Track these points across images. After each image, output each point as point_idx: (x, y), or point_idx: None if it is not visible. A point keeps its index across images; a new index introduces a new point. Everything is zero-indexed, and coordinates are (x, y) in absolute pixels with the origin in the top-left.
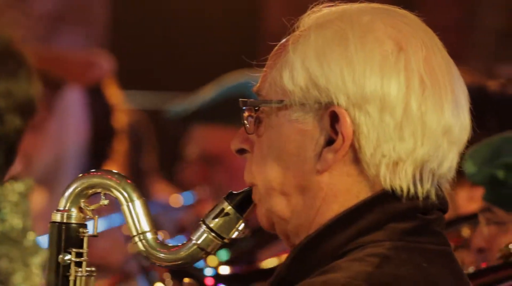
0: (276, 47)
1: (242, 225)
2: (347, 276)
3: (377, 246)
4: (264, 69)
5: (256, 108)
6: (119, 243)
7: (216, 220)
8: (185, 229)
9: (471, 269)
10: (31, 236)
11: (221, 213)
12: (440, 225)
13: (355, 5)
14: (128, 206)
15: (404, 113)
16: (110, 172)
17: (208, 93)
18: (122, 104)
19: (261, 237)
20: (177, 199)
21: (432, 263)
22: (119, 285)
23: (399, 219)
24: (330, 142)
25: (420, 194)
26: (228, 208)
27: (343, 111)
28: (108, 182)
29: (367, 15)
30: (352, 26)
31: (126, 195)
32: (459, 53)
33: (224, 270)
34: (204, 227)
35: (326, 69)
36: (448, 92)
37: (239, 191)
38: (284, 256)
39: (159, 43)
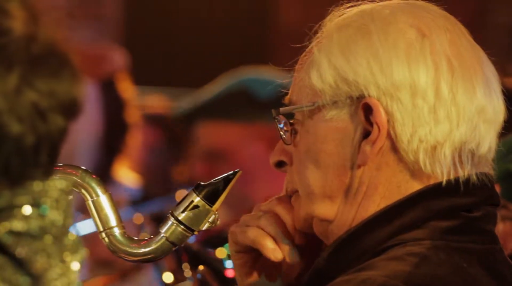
0: (303, 54)
1: (213, 216)
2: (385, 275)
3: (417, 244)
4: (294, 75)
5: (291, 120)
6: None
7: (185, 212)
8: None
9: None
10: (72, 234)
11: (190, 205)
12: (489, 222)
13: (376, 3)
14: (93, 201)
15: (436, 96)
16: (73, 166)
17: (212, 89)
18: (134, 99)
19: None
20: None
21: (472, 263)
22: (118, 281)
23: (441, 217)
24: (366, 135)
25: (461, 177)
26: (197, 200)
27: (375, 101)
28: (71, 177)
29: (387, 9)
30: (373, 19)
31: (90, 190)
32: None
33: None
34: (172, 219)
35: (353, 63)
36: (478, 73)
37: (207, 182)
38: None
39: (171, 38)
